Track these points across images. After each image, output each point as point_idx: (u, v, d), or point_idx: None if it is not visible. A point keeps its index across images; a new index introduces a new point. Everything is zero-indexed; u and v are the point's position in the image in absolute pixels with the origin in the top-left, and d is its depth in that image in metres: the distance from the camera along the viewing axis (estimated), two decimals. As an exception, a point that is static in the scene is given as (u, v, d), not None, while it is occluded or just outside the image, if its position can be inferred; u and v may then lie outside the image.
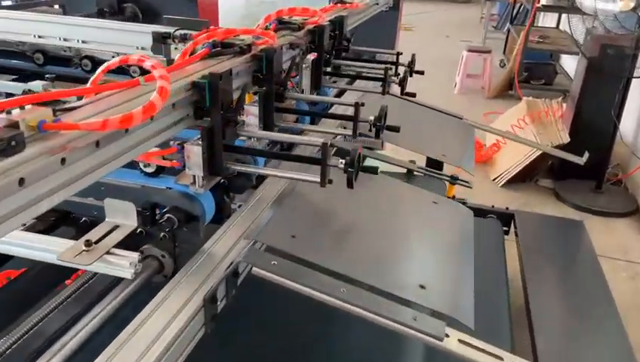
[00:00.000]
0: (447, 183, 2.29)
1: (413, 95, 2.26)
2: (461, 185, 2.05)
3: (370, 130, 1.65)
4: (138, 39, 2.11)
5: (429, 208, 1.78)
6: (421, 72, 2.63)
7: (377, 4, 3.60)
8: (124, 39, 2.09)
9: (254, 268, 1.27)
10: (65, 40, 2.12)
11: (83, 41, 2.10)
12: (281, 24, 2.11)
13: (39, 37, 2.17)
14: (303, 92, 2.26)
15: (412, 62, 2.52)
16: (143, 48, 2.01)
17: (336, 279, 1.28)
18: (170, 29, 1.99)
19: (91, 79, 1.13)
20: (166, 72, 1.07)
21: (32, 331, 1.21)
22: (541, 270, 2.81)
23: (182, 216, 1.44)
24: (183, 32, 1.99)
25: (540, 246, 3.10)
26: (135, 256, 1.20)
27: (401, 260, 1.46)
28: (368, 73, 2.38)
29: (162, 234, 1.46)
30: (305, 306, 1.30)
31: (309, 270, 1.29)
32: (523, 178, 5.22)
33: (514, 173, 5.11)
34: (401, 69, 2.55)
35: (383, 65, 2.60)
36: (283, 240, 1.37)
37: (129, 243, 1.53)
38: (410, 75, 2.56)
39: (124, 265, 1.16)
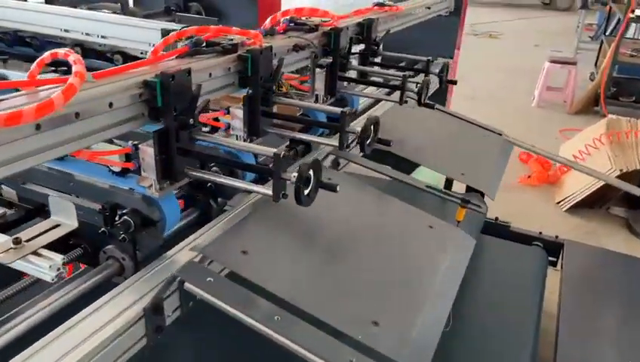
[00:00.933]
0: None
1: (432, 106, 2.07)
2: (472, 209, 1.83)
3: (353, 144, 1.51)
4: (153, 35, 2.09)
5: (419, 232, 1.60)
6: (454, 82, 2.42)
7: (429, 8, 3.39)
8: (138, 35, 2.10)
9: (186, 284, 1.17)
10: (87, 34, 2.16)
11: (102, 36, 2.13)
12: (295, 24, 2.01)
13: (65, 30, 2.23)
14: (317, 98, 2.15)
15: (444, 71, 2.32)
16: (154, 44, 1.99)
17: (276, 305, 1.16)
18: (178, 27, 1.96)
19: (28, 73, 1.09)
20: (82, 70, 1.00)
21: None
22: (581, 312, 2.49)
23: (139, 220, 1.39)
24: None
25: (587, 284, 2.76)
26: (59, 259, 1.15)
27: (361, 290, 1.31)
28: (390, 81, 2.21)
29: (122, 236, 1.41)
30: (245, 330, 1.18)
31: (246, 292, 1.18)
32: (591, 204, 4.73)
33: (581, 198, 4.65)
34: (433, 78, 2.36)
35: (412, 73, 2.43)
36: (230, 255, 1.27)
37: (93, 242, 1.52)
38: (441, 85, 2.36)
39: (44, 267, 1.11)
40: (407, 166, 2.27)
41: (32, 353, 1.10)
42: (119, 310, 1.26)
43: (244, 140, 1.63)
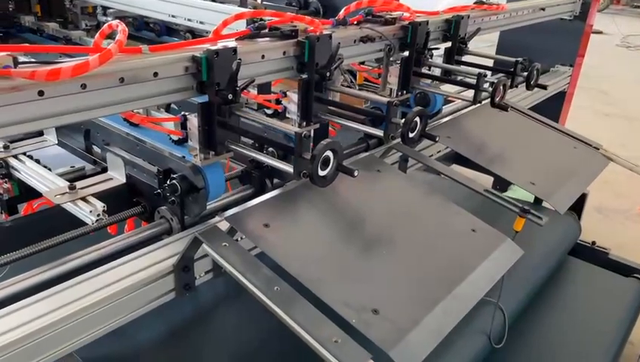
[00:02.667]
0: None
1: (505, 108, 1.94)
2: (531, 220, 1.70)
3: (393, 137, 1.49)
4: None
5: (458, 234, 1.53)
6: (543, 87, 2.25)
7: (543, 9, 3.17)
8: (215, 17, 2.24)
9: (203, 245, 1.27)
10: (173, 16, 2.38)
11: (189, 19, 2.33)
12: (373, 17, 2.02)
13: (172, 16, 2.47)
14: (390, 92, 2.14)
15: (530, 72, 2.17)
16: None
17: (280, 278, 1.21)
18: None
19: (93, 41, 1.26)
20: (123, 38, 1.13)
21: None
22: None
23: (185, 185, 1.52)
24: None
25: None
26: (100, 206, 1.30)
27: (373, 278, 1.29)
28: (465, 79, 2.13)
29: (171, 198, 1.55)
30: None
31: (255, 261, 1.24)
32: None
33: None
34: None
35: (496, 75, 2.31)
36: (252, 225, 1.34)
37: (151, 202, 1.68)
38: (529, 88, 2.21)
39: (86, 211, 1.27)
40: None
41: (80, 281, 1.30)
42: (152, 262, 1.40)
43: (299, 125, 1.70)
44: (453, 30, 2.31)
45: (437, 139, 1.56)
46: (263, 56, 1.51)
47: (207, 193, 1.53)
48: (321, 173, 1.23)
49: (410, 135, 1.50)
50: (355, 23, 1.95)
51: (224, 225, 1.47)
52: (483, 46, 4.30)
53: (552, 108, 4.07)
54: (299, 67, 1.66)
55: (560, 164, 2.11)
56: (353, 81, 2.26)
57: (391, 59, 2.10)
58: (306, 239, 1.38)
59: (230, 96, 1.35)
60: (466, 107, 2.59)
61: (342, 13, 1.93)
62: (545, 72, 4.00)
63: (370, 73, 2.20)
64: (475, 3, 2.66)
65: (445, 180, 1.85)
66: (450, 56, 2.36)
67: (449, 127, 2.17)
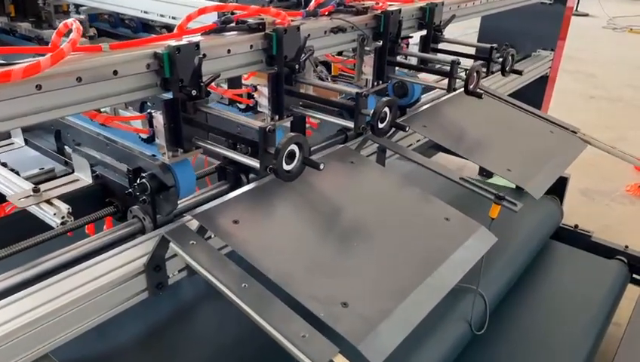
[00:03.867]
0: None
1: (479, 95, 1.93)
2: (506, 207, 1.70)
3: (364, 129, 1.48)
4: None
5: (431, 223, 1.53)
6: (518, 72, 2.24)
7: (521, -7, 3.16)
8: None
9: (171, 244, 1.26)
10: (145, 12, 2.35)
11: (161, 15, 2.30)
12: (345, 7, 2.01)
13: (144, 12, 2.43)
14: (366, 82, 2.13)
15: (505, 58, 2.16)
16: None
17: (249, 274, 1.20)
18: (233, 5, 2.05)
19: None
20: (77, 37, 1.11)
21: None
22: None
23: (155, 184, 1.50)
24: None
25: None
26: (64, 209, 1.29)
27: (343, 271, 1.29)
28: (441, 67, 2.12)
29: (142, 197, 1.54)
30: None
31: (223, 258, 1.23)
32: None
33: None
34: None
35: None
36: (221, 222, 1.33)
37: (123, 202, 1.67)
38: (504, 74, 2.21)
39: (50, 213, 1.26)
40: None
41: (53, 282, 1.29)
42: (124, 262, 1.39)
43: (271, 119, 1.69)
44: (428, 18, 2.29)
45: (407, 129, 1.56)
46: (229, 51, 1.49)
47: (178, 191, 1.51)
48: (287, 167, 1.22)
49: (380, 125, 1.49)
50: (327, 13, 1.93)
51: (195, 223, 1.47)
52: (471, 33, 4.31)
53: (535, 93, 4.07)
54: (268, 60, 1.64)
55: (537, 150, 2.11)
56: (325, 72, 2.25)
57: (367, 48, 2.09)
58: (276, 234, 1.37)
59: (194, 92, 1.33)
60: (443, 95, 2.59)
61: (312, 4, 1.91)
62: (527, 57, 4.00)
63: (344, 64, 2.18)
64: (449, -10, 2.64)
65: (424, 169, 1.84)
66: (425, 44, 2.35)
67: (425, 115, 2.16)
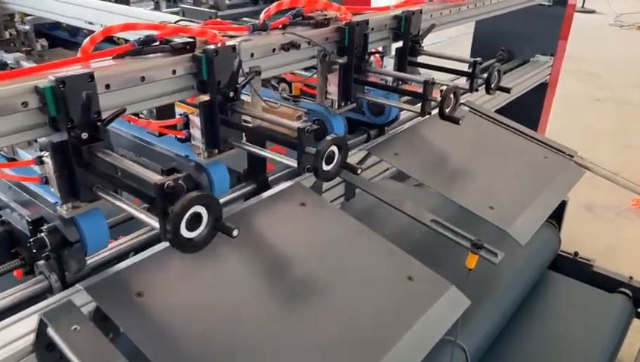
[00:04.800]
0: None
1: (456, 121, 1.66)
2: (484, 258, 1.43)
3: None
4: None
5: (391, 284, 1.27)
6: (505, 90, 1.97)
7: (515, -4, 2.88)
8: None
9: (48, 329, 1.00)
10: (90, 23, 2.12)
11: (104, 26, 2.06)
12: (303, 18, 1.74)
13: (89, 23, 2.19)
14: (332, 103, 1.86)
15: (490, 74, 1.89)
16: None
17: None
18: (177, 18, 1.80)
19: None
20: None
21: None
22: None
23: (56, 239, 1.25)
24: (184, 23, 1.79)
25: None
26: None
27: (275, 351, 1.04)
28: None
29: (44, 253, 1.29)
30: None
31: (111, 350, 0.97)
32: None
33: None
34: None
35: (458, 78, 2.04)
36: (120, 296, 1.07)
37: (29, 254, 1.42)
38: (488, 92, 1.93)
39: None
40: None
41: None
42: (11, 338, 1.14)
43: (208, 155, 1.43)
44: (404, 28, 2.02)
45: (358, 172, 1.29)
46: (142, 78, 1.23)
47: (85, 247, 1.26)
48: (188, 234, 0.96)
49: (326, 167, 1.23)
50: (280, 27, 1.67)
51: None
52: (462, 34, 4.03)
53: (534, 100, 3.80)
54: (199, 86, 1.38)
55: (526, 180, 1.83)
56: (287, 91, 1.98)
57: (334, 66, 1.82)
58: (190, 307, 1.11)
59: (85, 136, 1.08)
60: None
61: (262, 16, 1.65)
62: (525, 63, 3.72)
63: (306, 83, 1.92)
64: (433, -6, 2.37)
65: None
66: (401, 57, 2.08)
67: (398, 141, 1.90)
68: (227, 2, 4.96)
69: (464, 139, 1.97)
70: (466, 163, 1.85)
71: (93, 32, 2.83)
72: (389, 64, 2.11)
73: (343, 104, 1.89)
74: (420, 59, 2.09)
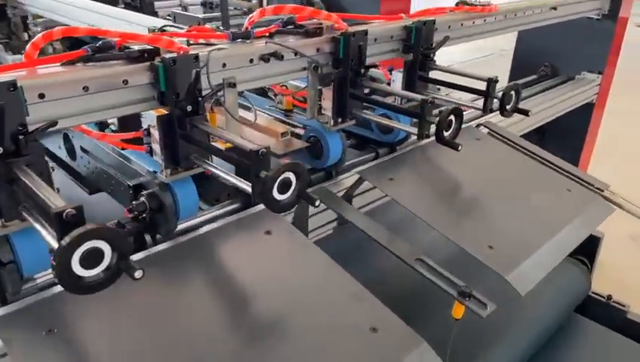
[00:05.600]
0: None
1: (455, 146, 1.46)
2: (471, 310, 1.23)
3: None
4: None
5: (352, 334, 1.08)
6: (524, 112, 1.74)
7: (554, 9, 2.61)
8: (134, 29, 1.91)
9: None
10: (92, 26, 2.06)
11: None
12: (295, 27, 1.59)
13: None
14: (328, 120, 1.70)
15: (505, 94, 1.67)
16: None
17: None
18: (164, 23, 1.70)
19: None
20: None
21: None
22: None
23: (154, 203, 1.32)
24: (172, 28, 1.68)
25: None
26: None
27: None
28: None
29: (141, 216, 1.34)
30: None
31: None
32: None
33: None
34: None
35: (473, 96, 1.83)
36: (31, 333, 0.95)
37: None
38: (503, 114, 1.71)
39: None
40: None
41: None
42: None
43: (167, 173, 1.31)
44: (414, 40, 1.84)
45: (317, 204, 1.12)
46: (85, 88, 1.12)
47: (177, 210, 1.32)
48: (83, 272, 0.82)
49: (280, 197, 1.07)
50: (268, 35, 1.53)
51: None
52: (508, 47, 3.72)
53: (578, 122, 3.49)
54: (160, 97, 1.26)
55: (541, 216, 1.60)
56: (282, 104, 1.84)
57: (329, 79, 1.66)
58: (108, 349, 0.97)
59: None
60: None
61: (246, 23, 1.51)
62: (569, 80, 3.42)
63: (296, 97, 1.77)
64: (457, 4, 2.17)
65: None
66: (411, 72, 1.89)
67: (395, 165, 1.71)
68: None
69: (474, 166, 1.76)
70: (471, 193, 1.64)
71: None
72: (398, 78, 1.93)
73: (339, 121, 1.73)
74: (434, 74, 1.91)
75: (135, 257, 1.30)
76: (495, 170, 1.78)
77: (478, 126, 2.08)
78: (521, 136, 2.18)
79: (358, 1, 4.22)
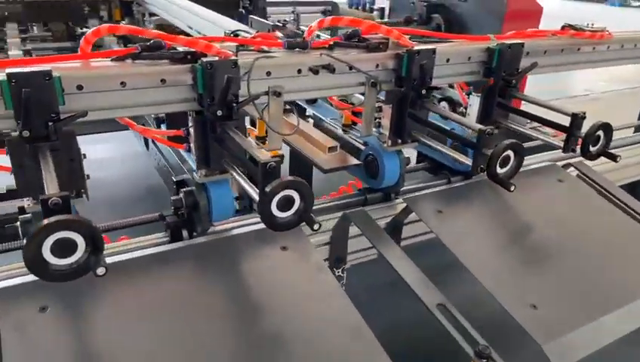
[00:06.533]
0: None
1: (507, 187, 1.27)
2: (487, 371, 1.06)
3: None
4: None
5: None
6: (612, 157, 1.49)
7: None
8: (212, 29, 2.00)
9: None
10: (189, 27, 2.18)
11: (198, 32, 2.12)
12: (358, 40, 1.53)
13: (189, 27, 2.28)
14: (386, 139, 1.61)
15: (590, 133, 1.45)
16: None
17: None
18: (237, 28, 1.75)
19: None
20: None
21: None
22: None
23: (190, 200, 1.38)
24: (243, 33, 1.73)
25: None
26: None
27: None
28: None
29: (180, 211, 1.43)
30: None
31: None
32: None
33: None
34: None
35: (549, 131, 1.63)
36: (24, 309, 1.01)
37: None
38: (585, 155, 1.48)
39: None
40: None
41: None
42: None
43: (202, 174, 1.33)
44: (496, 63, 1.68)
45: (315, 227, 1.03)
46: (123, 84, 1.17)
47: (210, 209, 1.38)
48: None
49: (279, 214, 1.01)
50: (328, 46, 1.49)
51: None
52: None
53: None
54: (199, 99, 1.28)
55: (612, 281, 1.36)
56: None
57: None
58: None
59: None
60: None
61: (305, 33, 1.49)
62: None
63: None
64: (562, 27, 1.95)
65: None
66: (488, 97, 1.73)
67: (450, 196, 1.57)
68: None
69: (545, 209, 1.56)
70: (531, 239, 1.45)
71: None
72: (475, 103, 1.77)
73: (398, 141, 1.63)
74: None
75: (162, 248, 1.34)
76: (570, 217, 1.56)
77: (566, 166, 1.84)
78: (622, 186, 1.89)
79: (480, 19, 4.02)
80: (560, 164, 1.85)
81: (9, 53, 2.05)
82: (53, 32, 3.03)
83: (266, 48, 1.41)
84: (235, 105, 1.25)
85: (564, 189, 1.67)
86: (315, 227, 1.03)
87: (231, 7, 3.61)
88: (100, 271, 0.85)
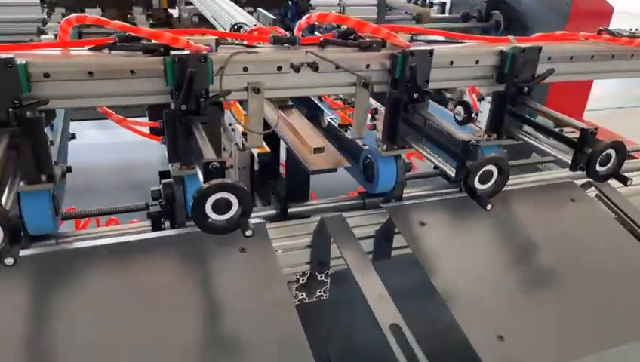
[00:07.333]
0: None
1: (483, 204, 1.15)
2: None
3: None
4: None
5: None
6: (623, 179, 1.32)
7: None
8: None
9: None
10: (214, 19, 2.19)
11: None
12: (353, 38, 1.45)
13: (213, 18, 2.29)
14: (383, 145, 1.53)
15: (594, 152, 1.30)
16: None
17: None
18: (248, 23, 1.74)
19: None
20: None
21: None
22: None
23: (168, 192, 1.41)
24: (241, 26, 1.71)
25: None
26: None
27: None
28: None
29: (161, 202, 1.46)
30: None
31: None
32: None
33: None
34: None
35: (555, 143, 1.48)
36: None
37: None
38: (590, 175, 1.33)
39: None
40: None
41: None
42: None
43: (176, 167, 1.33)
44: (509, 68, 1.54)
45: (247, 234, 0.98)
46: (90, 74, 1.18)
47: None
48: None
49: (214, 217, 0.98)
50: (319, 43, 1.43)
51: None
52: None
53: None
54: (171, 93, 1.27)
55: (605, 317, 1.21)
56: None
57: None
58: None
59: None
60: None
61: (296, 29, 1.44)
62: None
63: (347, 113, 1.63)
64: (598, 31, 1.76)
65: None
66: (499, 104, 1.60)
67: (440, 208, 1.47)
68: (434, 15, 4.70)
69: (541, 231, 1.42)
70: (515, 263, 1.33)
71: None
72: (486, 109, 1.65)
73: (394, 146, 1.55)
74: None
75: (138, 237, 1.35)
76: (570, 243, 1.41)
77: (587, 185, 1.67)
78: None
79: (543, 17, 3.78)
80: (580, 182, 1.69)
81: (41, 37, 2.15)
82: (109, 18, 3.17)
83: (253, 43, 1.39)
84: (202, 100, 1.23)
85: (575, 210, 1.52)
86: (248, 233, 0.99)
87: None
88: (9, 261, 0.86)
